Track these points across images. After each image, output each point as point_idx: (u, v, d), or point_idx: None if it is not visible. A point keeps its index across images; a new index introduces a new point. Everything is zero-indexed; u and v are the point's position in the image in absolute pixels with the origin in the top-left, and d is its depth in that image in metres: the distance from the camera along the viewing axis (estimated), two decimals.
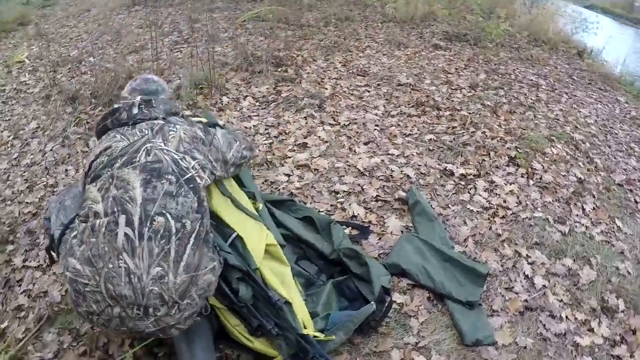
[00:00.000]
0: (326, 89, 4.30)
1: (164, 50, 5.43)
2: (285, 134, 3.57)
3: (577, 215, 2.96)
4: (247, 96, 4.17)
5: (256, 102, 4.07)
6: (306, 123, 3.71)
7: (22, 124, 4.39)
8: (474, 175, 3.13)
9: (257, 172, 3.16)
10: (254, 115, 3.86)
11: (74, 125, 4.09)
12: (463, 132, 3.62)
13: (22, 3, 8.93)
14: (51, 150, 3.94)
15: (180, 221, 1.54)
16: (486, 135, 3.60)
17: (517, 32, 6.58)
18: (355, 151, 3.35)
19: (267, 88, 4.29)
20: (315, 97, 4.05)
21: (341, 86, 4.39)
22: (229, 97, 4.13)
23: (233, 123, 3.75)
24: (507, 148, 3.46)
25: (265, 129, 3.65)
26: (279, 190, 2.99)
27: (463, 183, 3.04)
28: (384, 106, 4.03)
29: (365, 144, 3.45)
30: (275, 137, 3.54)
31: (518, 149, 3.45)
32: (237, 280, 1.76)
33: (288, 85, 4.34)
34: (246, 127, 3.66)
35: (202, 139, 1.79)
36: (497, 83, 4.75)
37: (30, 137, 4.18)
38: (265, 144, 3.45)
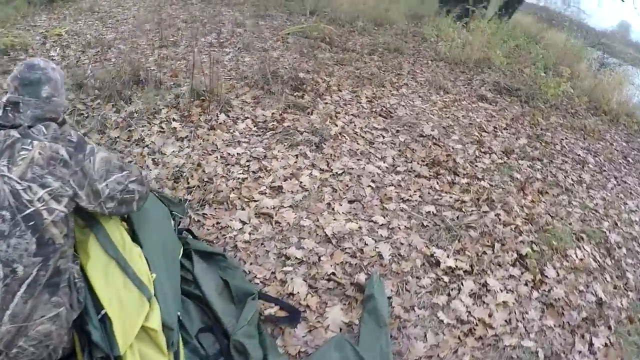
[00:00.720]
0: (336, 125, 3.86)
1: (194, 50, 5.29)
2: (266, 171, 3.18)
3: (580, 352, 2.29)
4: (247, 118, 3.83)
5: (254, 127, 3.72)
6: (294, 162, 3.28)
7: None
8: (465, 272, 2.54)
9: (213, 210, 2.81)
10: (244, 142, 3.50)
11: (66, 114, 3.97)
12: (472, 210, 3.05)
13: None
14: None
15: (10, 266, 1.37)
16: (499, 219, 3.01)
17: (577, 95, 5.86)
18: (333, 209, 2.88)
19: (272, 113, 3.93)
20: (317, 133, 3.62)
21: (354, 125, 3.95)
22: (228, 116, 3.82)
23: (217, 146, 3.45)
24: (520, 241, 2.85)
25: (247, 161, 3.27)
26: (225, 238, 2.61)
27: (446, 279, 2.47)
28: (393, 158, 3.54)
29: (350, 202, 2.97)
30: (253, 172, 3.15)
31: (533, 245, 2.84)
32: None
33: (296, 114, 3.94)
34: (228, 154, 3.33)
35: (65, 160, 1.51)
36: (537, 152, 4.12)
37: None
38: (237, 178, 3.07)
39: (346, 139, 3.68)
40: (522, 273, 2.64)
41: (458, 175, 3.45)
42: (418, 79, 5.31)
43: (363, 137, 3.77)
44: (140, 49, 5.34)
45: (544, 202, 3.40)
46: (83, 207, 1.59)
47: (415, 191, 3.17)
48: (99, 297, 1.63)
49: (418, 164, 3.51)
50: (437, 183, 3.31)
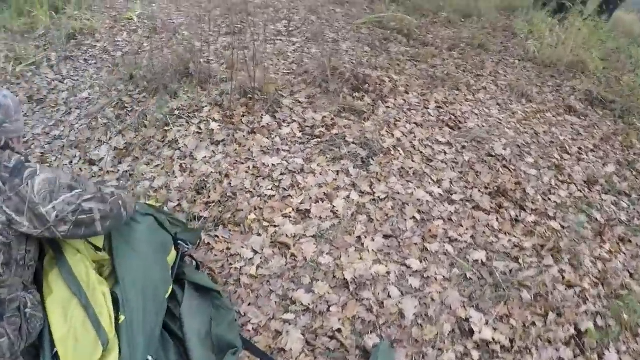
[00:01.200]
0: (392, 136, 3.50)
1: (259, 39, 5.18)
2: (298, 188, 2.95)
3: None
4: (294, 122, 3.62)
5: (299, 132, 3.48)
6: (333, 180, 3.01)
7: (81, 88, 4.52)
8: (502, 348, 2.11)
9: (227, 232, 2.65)
10: (284, 151, 3.30)
11: (111, 107, 4.05)
12: (531, 263, 2.57)
13: None
14: (78, 128, 3.96)
15: None
16: (562, 278, 2.51)
17: None
18: (362, 245, 2.56)
19: (324, 117, 3.66)
20: (367, 145, 3.30)
21: (414, 136, 3.55)
22: (274, 117, 3.62)
23: (252, 153, 3.28)
24: (583, 312, 2.34)
25: (281, 174, 3.07)
26: (231, 268, 2.42)
27: (476, 356, 2.06)
28: (450, 182, 3.12)
29: (386, 237, 2.63)
30: (283, 189, 2.93)
31: (598, 317, 2.32)
32: None
33: (349, 119, 3.63)
34: (262, 164, 3.15)
35: None
36: (625, 185, 3.48)
37: (76, 107, 4.26)
38: (264, 195, 2.88)
39: (400, 154, 3.31)
40: (575, 357, 2.15)
41: (525, 211, 2.96)
42: (499, 82, 4.74)
43: (421, 152, 3.38)
44: (204, 36, 5.34)
45: (624, 253, 2.81)
46: (29, 234, 1.55)
47: (467, 229, 2.74)
48: (53, 334, 1.61)
49: (479, 191, 3.07)
50: (497, 219, 2.85)
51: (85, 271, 1.77)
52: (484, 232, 2.74)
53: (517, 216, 2.91)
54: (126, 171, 3.28)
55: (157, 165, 3.28)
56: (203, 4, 6.48)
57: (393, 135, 3.52)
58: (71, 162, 3.52)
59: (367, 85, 4.09)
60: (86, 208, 1.61)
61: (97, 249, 1.91)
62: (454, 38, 5.64)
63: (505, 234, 2.77)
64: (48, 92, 4.51)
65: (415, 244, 2.61)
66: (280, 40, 5.18)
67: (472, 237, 2.70)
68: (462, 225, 2.77)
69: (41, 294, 1.72)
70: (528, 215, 2.93)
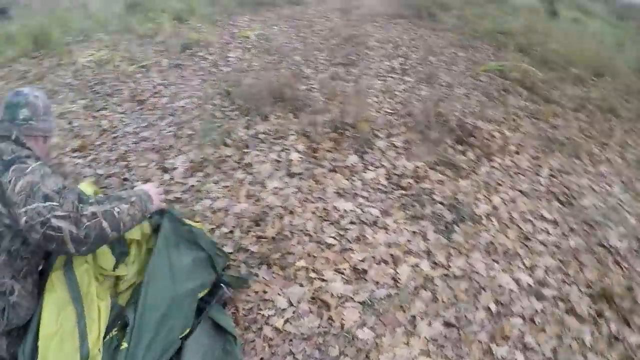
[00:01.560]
0: (489, 201, 3.12)
1: (370, 74, 5.07)
2: (364, 243, 2.66)
3: None
4: (382, 167, 3.36)
5: (385, 179, 3.22)
6: (406, 242, 2.69)
7: (180, 97, 4.68)
8: None
9: (270, 273, 2.44)
10: (362, 197, 3.03)
11: (200, 120, 4.11)
12: None
13: None
14: (164, 134, 4.05)
15: None
16: None
17: None
18: (415, 327, 2.19)
19: (417, 166, 3.37)
20: (455, 209, 2.96)
21: (515, 207, 3.13)
22: (361, 158, 3.41)
23: (327, 193, 3.06)
24: None
25: (350, 223, 2.81)
26: (258, 315, 2.20)
27: None
28: (545, 272, 2.64)
29: (446, 325, 2.23)
30: (347, 240, 2.65)
31: None
32: None
33: (444, 174, 3.31)
34: (334, 207, 2.92)
35: None
36: None
37: (170, 114, 4.39)
38: (323, 243, 2.63)
39: (493, 225, 2.91)
40: None
41: (630, 327, 2.40)
42: (628, 155, 4.14)
43: (519, 227, 2.95)
44: (315, 63, 5.35)
45: None
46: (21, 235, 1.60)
47: (551, 337, 2.25)
48: (40, 328, 1.66)
49: (579, 290, 2.57)
50: (592, 333, 2.33)
51: (87, 282, 1.79)
52: (570, 346, 2.24)
53: (618, 333, 2.37)
54: (193, 185, 3.25)
55: (225, 186, 3.21)
56: (323, 32, 6.57)
57: (490, 201, 3.14)
58: (147, 165, 3.60)
59: (473, 138, 3.75)
60: (54, 225, 1.53)
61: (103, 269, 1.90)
62: (581, 97, 5.11)
63: (597, 354, 2.24)
64: (150, 95, 4.72)
65: (480, 341, 2.19)
66: (392, 77, 5.01)
67: (553, 350, 2.21)
68: (545, 331, 2.30)
69: (43, 287, 1.76)
70: (633, 334, 2.38)
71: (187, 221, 2.27)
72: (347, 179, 3.22)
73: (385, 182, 3.24)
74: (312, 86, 4.72)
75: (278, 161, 3.42)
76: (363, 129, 3.68)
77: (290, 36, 6.30)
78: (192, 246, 2.15)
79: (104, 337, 1.76)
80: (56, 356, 1.62)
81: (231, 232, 2.77)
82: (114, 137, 4.06)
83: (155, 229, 2.17)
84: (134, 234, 2.00)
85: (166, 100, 4.57)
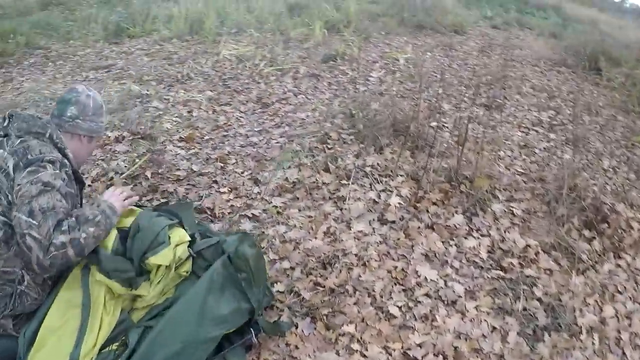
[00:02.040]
0: (598, 311, 2.58)
1: (512, 122, 4.64)
2: (430, 325, 2.32)
3: None
4: (487, 235, 2.97)
5: (485, 253, 2.83)
6: (479, 338, 2.29)
7: (304, 108, 4.67)
8: None
9: (312, 328, 2.24)
10: (451, 267, 2.69)
11: (313, 137, 4.03)
12: None
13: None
14: (272, 144, 4.04)
15: None
16: None
17: None
18: None
19: (528, 245, 2.91)
20: (553, 312, 2.48)
21: (628, 325, 2.56)
22: (469, 220, 3.06)
23: (413, 254, 2.77)
24: None
25: (425, 295, 2.49)
26: None
27: None
28: None
29: None
30: (412, 315, 2.34)
31: None
32: None
33: (557, 263, 2.80)
34: (415, 273, 2.63)
35: (8, 171, 1.74)
36: None
37: (287, 124, 4.39)
38: (385, 310, 2.34)
39: (592, 343, 2.36)
40: None
41: None
42: None
43: (623, 352, 2.38)
44: (456, 100, 5.03)
45: None
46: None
47: None
48: (45, 319, 1.78)
49: None
50: None
51: (97, 292, 1.85)
52: None
53: None
54: (276, 206, 3.17)
55: (308, 216, 3.07)
56: (477, 67, 6.20)
57: (601, 311, 2.61)
58: (242, 172, 3.61)
59: (606, 224, 3.17)
60: (27, 243, 1.63)
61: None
62: None
63: None
64: (277, 100, 4.79)
65: None
66: (536, 131, 4.54)
67: None
68: None
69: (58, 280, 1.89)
70: None
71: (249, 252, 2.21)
72: (442, 241, 2.91)
73: (484, 256, 2.86)
74: (444, 124, 4.43)
75: (375, 202, 3.21)
76: (481, 186, 3.32)
77: (440, 66, 6.04)
78: (238, 295, 2.05)
79: (103, 348, 1.79)
80: (50, 350, 1.72)
81: (292, 268, 2.63)
82: (224, 136, 4.17)
83: (197, 256, 2.14)
84: (160, 259, 1.94)
85: (289, 109, 4.60)
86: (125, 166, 3.65)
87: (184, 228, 2.13)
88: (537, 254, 2.91)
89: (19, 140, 1.81)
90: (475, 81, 5.40)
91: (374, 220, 3.04)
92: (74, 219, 1.71)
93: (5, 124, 1.89)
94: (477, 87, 5.22)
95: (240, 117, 4.50)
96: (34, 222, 1.62)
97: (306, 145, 3.82)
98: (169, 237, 2.00)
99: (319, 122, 4.27)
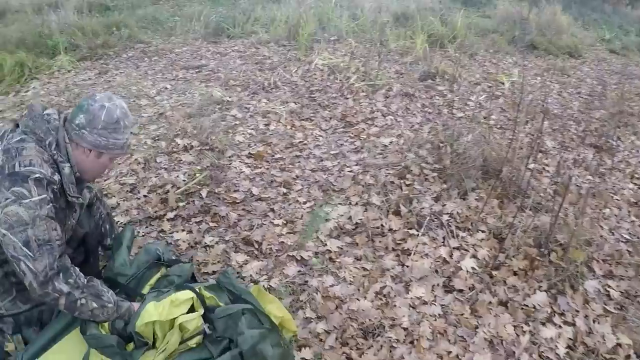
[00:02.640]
0: None
1: (625, 170, 3.90)
2: None
3: None
4: (568, 324, 2.35)
5: (565, 348, 2.27)
6: None
7: (389, 133, 4.22)
8: None
9: None
10: (512, 358, 2.22)
11: (391, 170, 3.57)
12: None
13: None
14: (344, 172, 3.64)
15: None
16: None
17: None
18: None
19: (618, 344, 2.25)
20: None
21: None
22: (552, 300, 2.46)
23: (476, 335, 2.26)
24: None
25: None
26: None
27: None
28: None
29: None
30: None
31: None
32: None
33: None
34: (457, 358, 2.16)
35: None
36: None
37: (367, 149, 3.97)
38: None
39: None
40: None
41: None
42: None
43: None
44: (562, 137, 4.32)
45: None
46: None
47: None
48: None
49: None
50: None
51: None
52: None
53: None
54: (330, 251, 2.79)
55: (363, 268, 2.66)
56: (589, 98, 5.39)
57: None
58: (303, 203, 3.26)
59: None
60: (21, 267, 1.57)
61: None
62: None
63: None
64: (362, 120, 4.38)
65: None
66: None
67: None
68: None
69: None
70: None
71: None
72: (515, 326, 2.36)
73: (562, 351, 2.25)
74: (545, 167, 3.80)
75: (445, 261, 2.71)
76: (575, 258, 2.72)
77: (549, 93, 5.31)
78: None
79: None
80: None
81: (327, 332, 2.23)
82: (296, 156, 3.84)
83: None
84: (146, 317, 1.71)
85: (374, 132, 4.17)
86: (184, 180, 3.43)
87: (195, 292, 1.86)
88: (628, 357, 2.30)
89: (18, 138, 1.66)
90: (584, 115, 4.66)
91: (438, 285, 2.56)
92: (85, 281, 1.67)
93: (24, 115, 1.79)
94: (587, 123, 4.49)
95: (319, 135, 4.15)
96: (30, 253, 1.56)
97: (381, 179, 3.39)
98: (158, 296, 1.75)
99: (401, 151, 3.82)
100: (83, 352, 1.73)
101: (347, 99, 4.76)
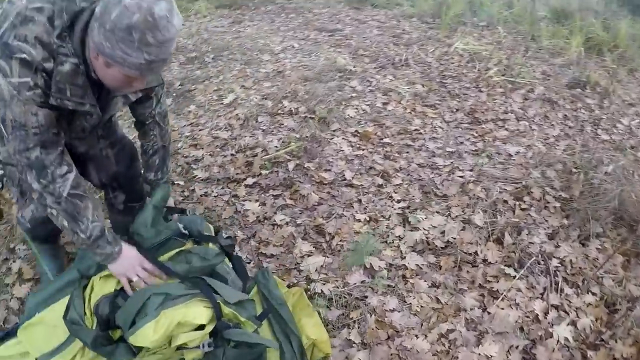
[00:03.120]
0: None
1: None
2: None
3: None
4: None
5: None
6: None
7: (519, 139, 3.53)
8: None
9: None
10: None
11: (500, 197, 2.95)
12: None
13: None
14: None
15: None
16: None
17: None
18: None
19: None
20: None
21: None
22: None
23: None
24: None
25: None
26: None
27: None
28: None
29: None
30: None
31: None
32: None
33: None
34: None
35: None
36: None
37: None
38: None
39: None
40: None
41: None
42: None
43: None
44: None
45: None
46: None
47: None
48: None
49: None
50: None
51: None
52: None
53: None
54: (405, 267, 2.32)
55: (437, 300, 2.15)
56: None
57: None
58: (398, 201, 2.78)
59: None
60: (26, 179, 1.42)
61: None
62: None
63: None
64: (491, 119, 3.73)
65: None
66: None
67: None
68: None
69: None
70: None
71: None
72: None
73: None
74: None
75: (536, 320, 2.09)
76: None
77: None
78: None
79: None
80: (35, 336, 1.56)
81: None
82: (407, 145, 3.34)
83: None
84: (139, 339, 1.41)
85: (501, 136, 3.51)
86: (276, 147, 3.11)
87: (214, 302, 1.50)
88: None
89: (38, 5, 1.26)
90: None
91: (516, 348, 1.97)
92: (65, 192, 1.42)
93: None
94: None
95: (439, 127, 3.59)
96: (5, 132, 1.35)
97: (493, 195, 2.79)
98: (159, 311, 1.39)
99: (527, 166, 3.15)
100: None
101: (481, 92, 4.10)
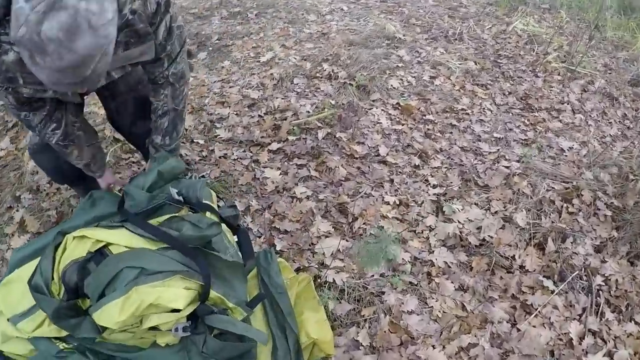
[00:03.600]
0: None
1: None
2: None
3: None
4: None
5: None
6: None
7: (561, 144, 3.12)
8: None
9: None
10: None
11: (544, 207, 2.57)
12: None
13: None
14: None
15: None
16: None
17: None
18: None
19: None
20: None
21: None
22: None
23: None
24: None
25: None
26: None
27: None
28: None
29: None
30: None
31: None
32: None
33: None
34: None
35: None
36: None
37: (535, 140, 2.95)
38: None
39: None
40: None
41: None
42: None
43: None
44: None
45: None
46: None
47: None
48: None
49: None
50: None
51: None
52: None
53: None
54: (431, 263, 2.01)
55: (462, 307, 1.83)
56: None
57: None
58: (434, 186, 2.46)
59: None
60: None
61: None
62: None
63: None
64: (545, 108, 3.30)
65: None
66: None
67: None
68: None
69: None
70: None
71: None
72: None
73: None
74: None
75: (569, 345, 1.77)
76: None
77: None
78: None
79: None
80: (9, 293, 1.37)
81: None
82: (451, 125, 2.97)
83: None
84: (103, 318, 1.17)
85: (554, 127, 3.08)
86: (308, 112, 2.80)
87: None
88: None
89: None
90: None
91: None
92: (54, 143, 1.50)
93: None
94: None
95: (489, 109, 3.20)
96: None
97: (540, 193, 2.43)
98: (131, 287, 1.12)
99: (579, 164, 2.76)
100: None
101: (538, 77, 3.65)
